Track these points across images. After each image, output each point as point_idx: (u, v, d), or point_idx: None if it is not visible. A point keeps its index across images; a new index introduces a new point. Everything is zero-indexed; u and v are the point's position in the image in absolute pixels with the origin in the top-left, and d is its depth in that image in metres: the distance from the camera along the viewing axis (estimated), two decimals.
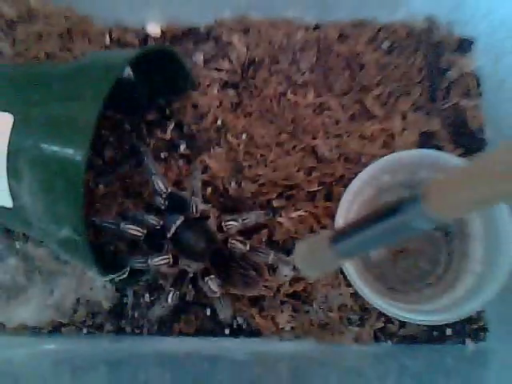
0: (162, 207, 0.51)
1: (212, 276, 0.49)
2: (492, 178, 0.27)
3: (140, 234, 0.49)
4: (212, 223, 0.52)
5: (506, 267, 0.47)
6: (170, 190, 0.51)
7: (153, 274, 0.53)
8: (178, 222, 0.50)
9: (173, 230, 0.50)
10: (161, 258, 0.49)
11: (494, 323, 0.55)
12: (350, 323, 0.55)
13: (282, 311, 0.54)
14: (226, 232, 0.51)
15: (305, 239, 0.38)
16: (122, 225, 0.49)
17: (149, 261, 0.48)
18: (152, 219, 0.50)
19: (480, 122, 0.58)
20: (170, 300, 0.49)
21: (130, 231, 0.49)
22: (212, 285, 0.49)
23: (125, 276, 0.47)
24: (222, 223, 0.51)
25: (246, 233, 0.55)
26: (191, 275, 0.51)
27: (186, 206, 0.51)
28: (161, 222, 0.50)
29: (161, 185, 0.51)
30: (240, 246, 0.50)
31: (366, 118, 0.58)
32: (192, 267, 0.51)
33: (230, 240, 0.50)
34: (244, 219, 0.52)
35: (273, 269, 0.54)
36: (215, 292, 0.49)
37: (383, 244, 0.42)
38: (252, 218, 0.52)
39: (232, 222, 0.51)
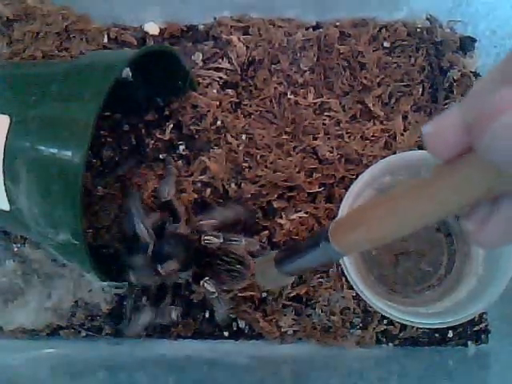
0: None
1: (206, 278, 0.49)
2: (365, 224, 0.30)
3: (149, 241, 0.48)
4: (183, 227, 0.51)
5: (509, 268, 0.46)
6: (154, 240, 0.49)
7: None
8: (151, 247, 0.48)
9: (150, 247, 0.48)
10: (168, 263, 0.48)
11: (495, 325, 0.55)
12: (352, 326, 0.54)
13: (284, 315, 0.54)
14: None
15: (259, 258, 0.46)
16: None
17: (159, 269, 0.47)
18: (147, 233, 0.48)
19: None
20: (144, 317, 0.49)
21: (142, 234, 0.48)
22: (209, 286, 0.49)
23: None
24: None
25: (246, 234, 0.54)
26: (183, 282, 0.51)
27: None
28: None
29: (144, 234, 0.48)
30: (215, 239, 0.49)
31: (367, 118, 0.58)
32: (182, 277, 0.50)
33: (203, 238, 0.49)
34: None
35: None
36: (213, 292, 0.49)
37: (314, 267, 0.49)
38: (229, 213, 0.52)
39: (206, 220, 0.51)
